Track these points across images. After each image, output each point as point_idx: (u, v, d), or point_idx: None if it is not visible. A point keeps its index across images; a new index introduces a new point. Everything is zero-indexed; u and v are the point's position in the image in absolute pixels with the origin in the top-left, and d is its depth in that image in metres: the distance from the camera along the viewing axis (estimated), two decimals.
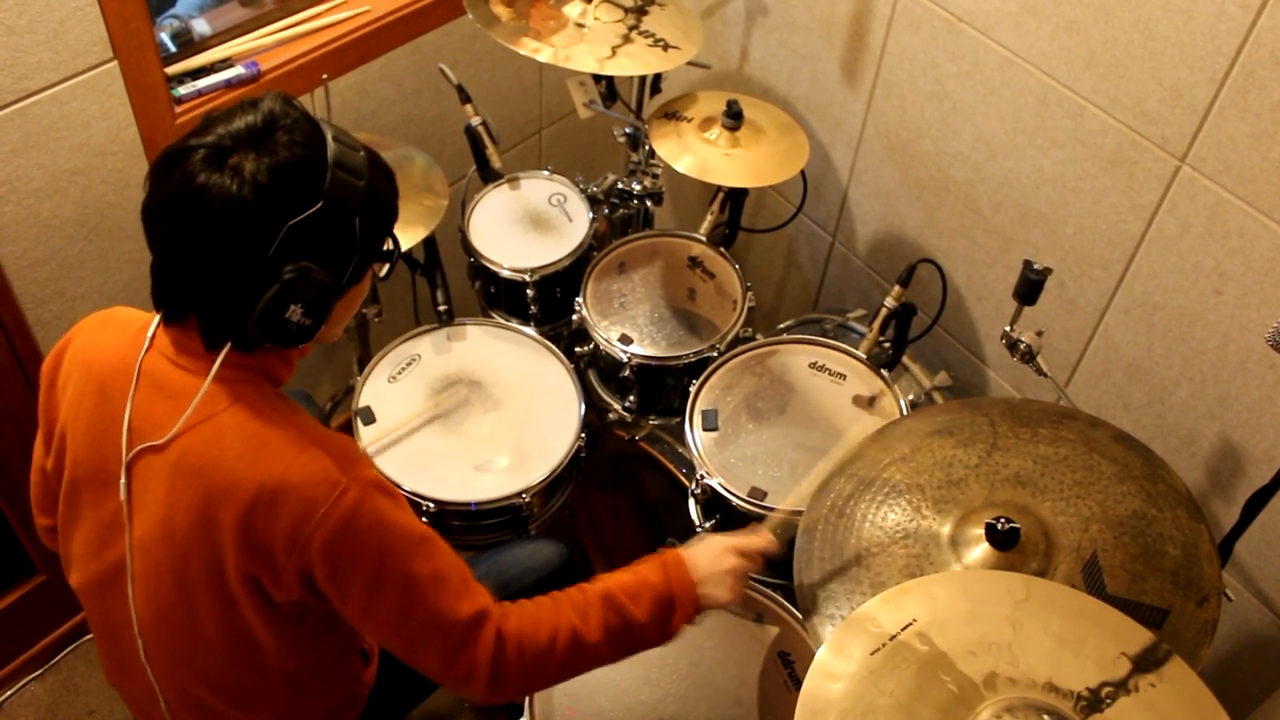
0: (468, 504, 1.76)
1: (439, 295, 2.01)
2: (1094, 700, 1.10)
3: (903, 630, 1.17)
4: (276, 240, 1.13)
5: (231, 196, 1.12)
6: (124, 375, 1.26)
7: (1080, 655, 1.14)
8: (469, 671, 1.25)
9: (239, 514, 1.18)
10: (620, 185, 2.20)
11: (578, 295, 2.01)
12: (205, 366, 1.21)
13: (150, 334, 1.26)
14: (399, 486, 1.76)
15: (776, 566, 1.76)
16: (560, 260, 2.05)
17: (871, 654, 1.15)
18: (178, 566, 1.25)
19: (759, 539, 1.44)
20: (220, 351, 1.21)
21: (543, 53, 1.87)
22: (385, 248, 1.29)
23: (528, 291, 2.03)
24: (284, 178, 1.13)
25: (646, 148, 2.10)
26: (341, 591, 1.22)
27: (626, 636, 1.32)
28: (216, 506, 1.19)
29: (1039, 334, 1.64)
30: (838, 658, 1.16)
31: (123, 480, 1.26)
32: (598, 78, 2.10)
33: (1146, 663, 1.13)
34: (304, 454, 1.19)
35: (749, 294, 2.00)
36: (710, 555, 1.40)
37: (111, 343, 1.29)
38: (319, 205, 1.15)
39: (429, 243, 1.96)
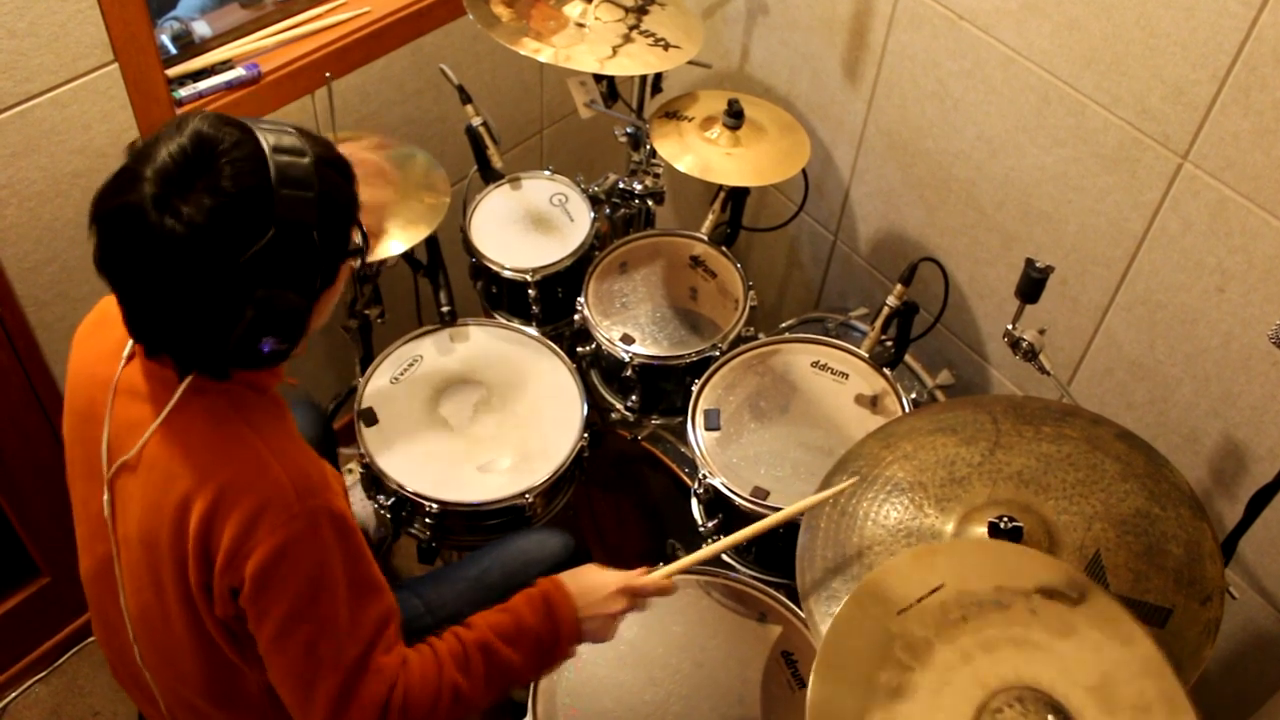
0: (470, 504, 1.76)
1: (441, 296, 2.01)
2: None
3: (927, 595, 1.16)
4: (235, 276, 1.09)
5: (175, 241, 1.07)
6: (105, 378, 1.27)
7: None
8: None
9: (197, 524, 1.18)
10: (622, 185, 2.19)
11: (579, 295, 2.00)
12: (179, 380, 1.21)
13: (128, 349, 1.27)
14: (402, 488, 1.76)
15: (778, 566, 1.76)
16: (562, 260, 2.05)
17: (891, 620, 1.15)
18: (153, 568, 1.26)
19: (652, 580, 1.42)
20: (186, 377, 1.20)
21: (543, 53, 1.87)
22: (355, 243, 1.24)
23: (529, 291, 2.03)
24: (227, 215, 1.07)
25: (648, 147, 2.10)
26: (259, 613, 1.19)
27: (505, 680, 1.32)
28: (181, 515, 1.20)
29: (1041, 332, 1.63)
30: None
31: (105, 497, 1.28)
32: (598, 77, 2.09)
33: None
34: (264, 474, 1.17)
35: (751, 293, 2.00)
36: (597, 594, 1.38)
37: (98, 348, 1.31)
38: (271, 233, 1.09)
39: (431, 243, 1.96)
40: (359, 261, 1.28)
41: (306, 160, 1.13)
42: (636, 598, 1.40)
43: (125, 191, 1.09)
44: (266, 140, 1.12)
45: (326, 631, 1.19)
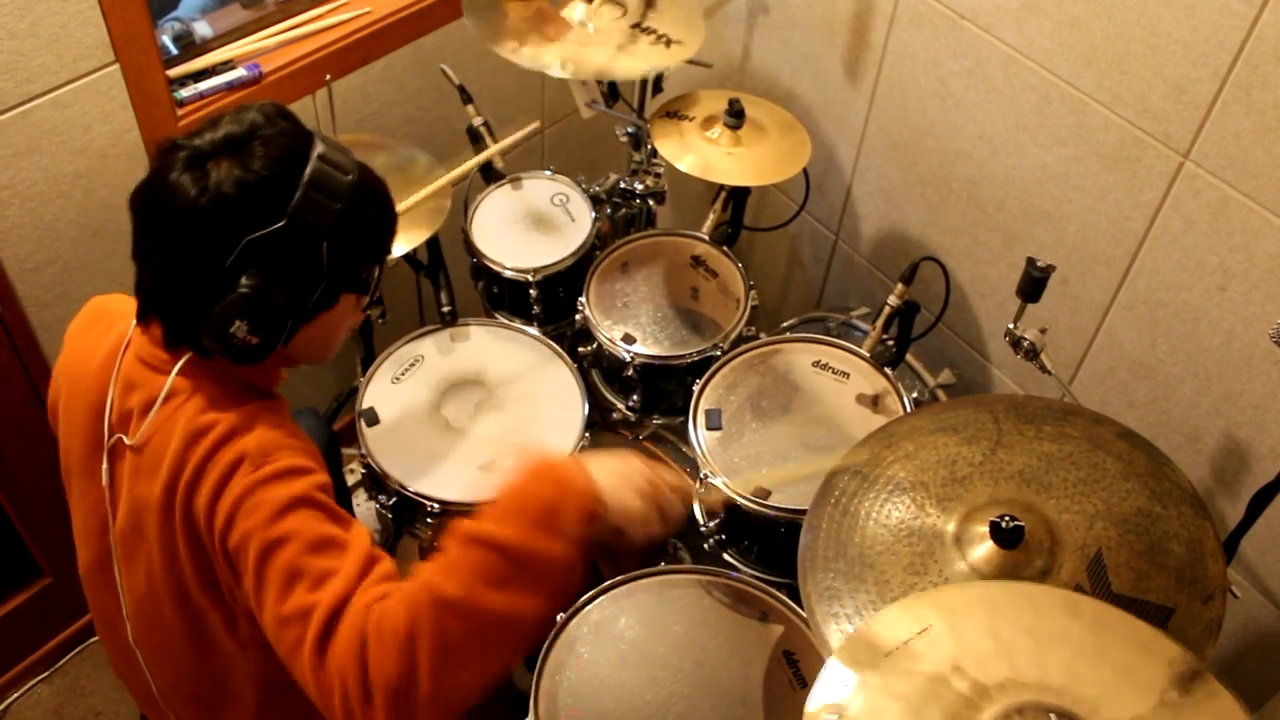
0: (472, 504, 1.76)
1: (442, 296, 2.01)
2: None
3: (913, 638, 1.16)
4: (233, 253, 1.12)
5: (189, 201, 1.12)
6: (105, 373, 1.28)
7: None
8: (341, 679, 1.05)
9: (181, 503, 1.18)
10: (622, 185, 2.19)
11: (580, 295, 2.00)
12: (173, 365, 1.23)
13: (130, 332, 1.28)
14: (403, 488, 1.76)
15: (779, 566, 1.76)
16: (563, 260, 2.05)
17: (880, 662, 1.15)
18: (146, 558, 1.27)
19: (680, 478, 1.29)
20: (179, 356, 1.22)
21: (551, 66, 1.86)
22: (368, 279, 1.26)
23: (530, 292, 2.03)
24: (249, 192, 1.12)
25: (648, 147, 2.10)
26: (243, 572, 1.14)
27: (510, 565, 1.08)
28: (168, 500, 1.20)
29: (1042, 331, 1.63)
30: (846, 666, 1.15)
31: (104, 465, 1.28)
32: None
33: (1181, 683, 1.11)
34: (236, 440, 1.18)
35: (752, 293, 2.00)
36: (615, 458, 1.23)
37: (93, 345, 1.32)
38: (281, 224, 1.13)
39: (432, 243, 1.97)
40: (366, 300, 1.30)
41: (348, 178, 1.18)
42: (657, 466, 1.24)
43: (180, 143, 1.16)
44: (316, 145, 1.17)
45: (298, 576, 1.10)
